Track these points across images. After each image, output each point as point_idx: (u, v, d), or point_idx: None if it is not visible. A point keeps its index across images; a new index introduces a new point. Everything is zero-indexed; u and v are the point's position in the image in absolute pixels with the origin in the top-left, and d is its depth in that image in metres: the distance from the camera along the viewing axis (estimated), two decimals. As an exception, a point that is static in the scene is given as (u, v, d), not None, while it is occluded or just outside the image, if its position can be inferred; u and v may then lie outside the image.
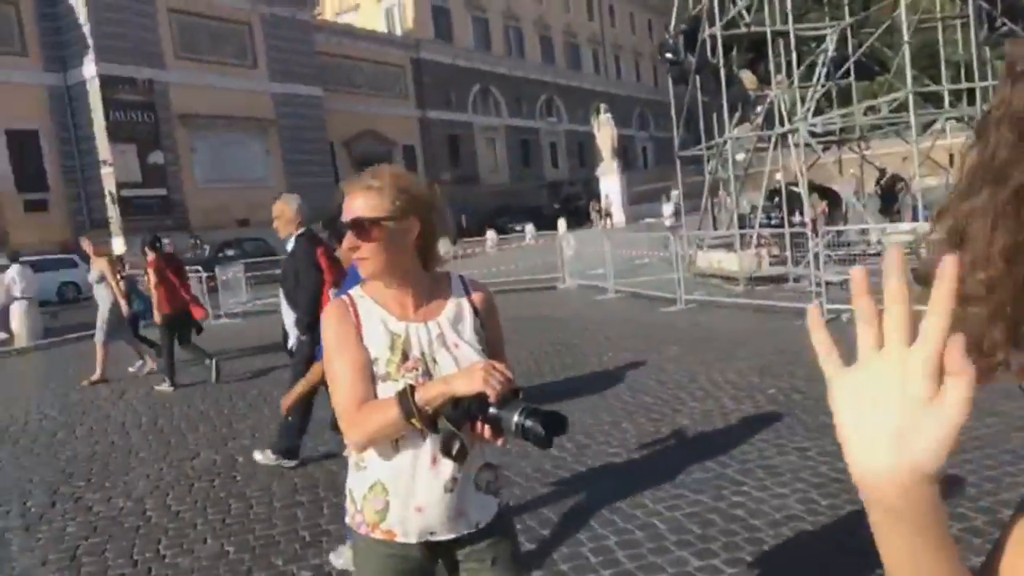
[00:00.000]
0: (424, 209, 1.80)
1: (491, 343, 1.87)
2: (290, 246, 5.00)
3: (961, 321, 0.55)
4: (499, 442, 1.66)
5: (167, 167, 30.25)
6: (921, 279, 0.57)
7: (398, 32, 44.23)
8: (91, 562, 4.02)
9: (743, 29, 15.18)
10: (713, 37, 15.26)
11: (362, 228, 1.74)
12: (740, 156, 15.99)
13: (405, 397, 1.63)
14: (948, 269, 0.50)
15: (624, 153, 47.42)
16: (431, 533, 1.79)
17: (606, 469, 4.75)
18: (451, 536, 1.81)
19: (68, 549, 4.20)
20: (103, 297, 8.89)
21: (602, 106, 36.22)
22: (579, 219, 34.25)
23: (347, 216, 1.75)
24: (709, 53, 15.98)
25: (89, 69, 28.30)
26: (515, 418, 1.60)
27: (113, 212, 28.47)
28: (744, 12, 15.11)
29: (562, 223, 27.04)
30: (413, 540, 1.79)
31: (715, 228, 15.73)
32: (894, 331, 0.53)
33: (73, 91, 28.95)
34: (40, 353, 12.21)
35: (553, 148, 54.85)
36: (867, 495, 0.55)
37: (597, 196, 35.14)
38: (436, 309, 1.83)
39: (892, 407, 0.53)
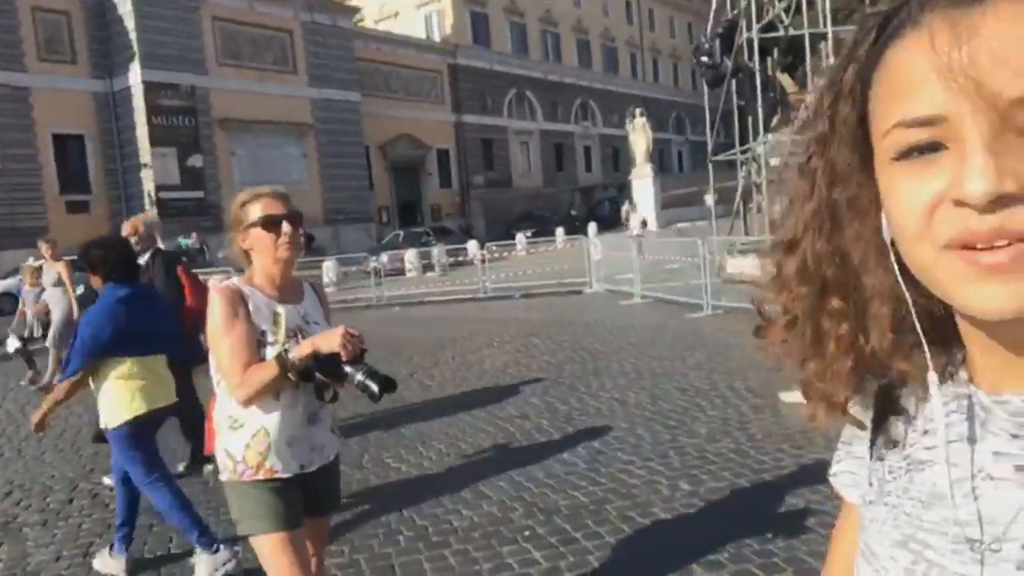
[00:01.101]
0: None
1: (329, 321, 2.50)
2: (142, 260, 5.23)
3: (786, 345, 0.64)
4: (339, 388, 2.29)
5: (205, 170, 30.81)
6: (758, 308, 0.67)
7: (436, 38, 44.50)
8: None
9: (781, 32, 14.94)
10: (750, 40, 15.05)
11: (300, 220, 2.38)
12: (775, 161, 15.74)
13: (282, 357, 2.16)
14: None
15: (659, 157, 47.10)
16: (302, 466, 2.31)
17: (618, 478, 4.66)
18: (315, 467, 2.35)
19: (82, 545, 4.26)
20: (57, 300, 8.87)
21: (638, 110, 35.93)
22: (610, 224, 34.02)
23: (275, 213, 2.32)
24: (746, 57, 15.78)
25: (134, 76, 28.99)
26: (358, 376, 2.15)
27: (151, 213, 29.08)
28: (783, 14, 14.87)
29: (592, 227, 26.86)
30: (289, 474, 2.29)
31: (746, 233, 15.49)
32: None
33: (118, 96, 29.67)
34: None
35: (587, 152, 54.62)
36: None
37: (630, 201, 34.93)
38: (298, 296, 2.43)
39: None
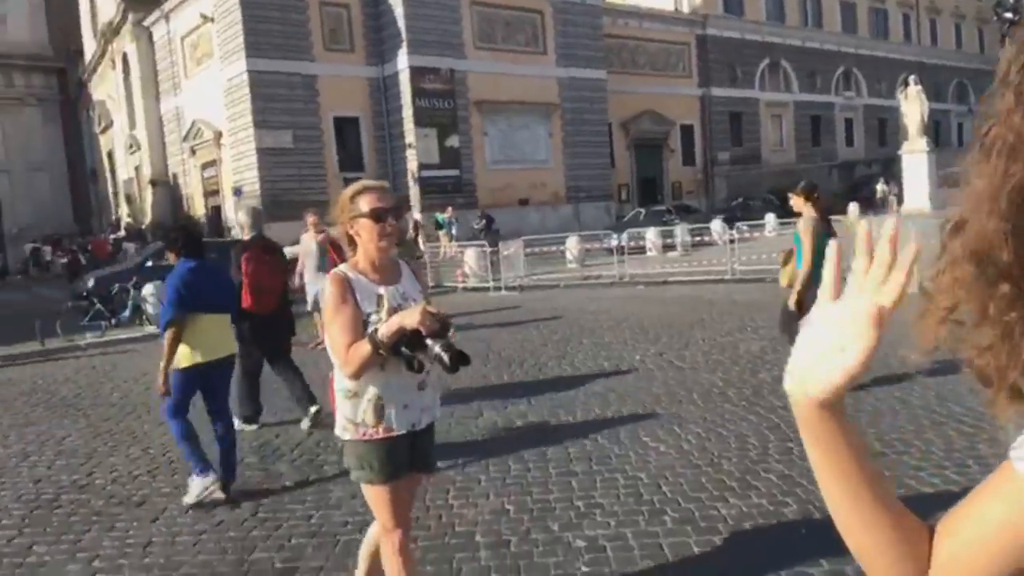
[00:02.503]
0: None
1: (425, 296, 2.83)
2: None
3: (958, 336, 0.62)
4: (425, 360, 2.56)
5: (461, 150, 32.80)
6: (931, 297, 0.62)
7: (685, 8, 43.27)
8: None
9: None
10: (1067, -10, 12.86)
11: (402, 213, 2.69)
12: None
13: (372, 336, 2.47)
14: (906, 245, 0.60)
15: (935, 130, 42.01)
16: (413, 425, 2.69)
17: (905, 484, 4.25)
18: (424, 425, 2.75)
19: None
20: (312, 267, 9.19)
21: (911, 77, 32.26)
22: (874, 204, 31.04)
23: (383, 206, 2.62)
24: (1059, 9, 13.52)
25: (402, 61, 31.54)
26: (435, 349, 2.40)
27: (413, 190, 31.62)
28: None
29: (853, 207, 24.67)
30: (404, 431, 2.66)
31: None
32: (857, 281, 0.63)
33: (388, 81, 32.48)
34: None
35: (848, 125, 50.26)
36: (790, 401, 0.69)
37: (885, 180, 31.64)
38: (396, 276, 2.75)
39: (824, 340, 0.64)
